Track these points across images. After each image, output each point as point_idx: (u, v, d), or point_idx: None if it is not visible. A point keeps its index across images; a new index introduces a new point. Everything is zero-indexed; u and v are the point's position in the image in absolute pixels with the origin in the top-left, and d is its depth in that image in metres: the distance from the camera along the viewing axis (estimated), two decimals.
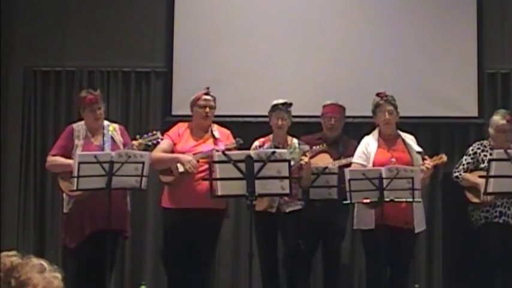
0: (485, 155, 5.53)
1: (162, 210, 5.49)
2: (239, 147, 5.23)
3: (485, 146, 5.60)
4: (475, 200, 5.49)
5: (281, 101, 5.44)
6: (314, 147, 5.40)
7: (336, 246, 5.74)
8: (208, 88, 5.44)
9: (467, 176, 5.53)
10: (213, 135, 5.38)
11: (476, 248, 5.63)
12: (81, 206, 4.97)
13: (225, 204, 5.34)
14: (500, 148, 5.36)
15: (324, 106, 5.83)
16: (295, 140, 5.48)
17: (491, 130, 5.60)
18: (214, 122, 5.55)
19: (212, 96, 5.41)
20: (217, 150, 5.14)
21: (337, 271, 5.85)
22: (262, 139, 5.52)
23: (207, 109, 5.34)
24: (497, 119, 5.57)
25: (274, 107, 5.43)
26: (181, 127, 5.44)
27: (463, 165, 5.59)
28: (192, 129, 5.42)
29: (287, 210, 5.34)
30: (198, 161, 5.20)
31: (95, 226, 4.98)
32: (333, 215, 5.59)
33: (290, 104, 5.48)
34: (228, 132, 5.50)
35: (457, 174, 5.60)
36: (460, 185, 5.63)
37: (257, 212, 5.17)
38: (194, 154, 5.25)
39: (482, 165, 5.51)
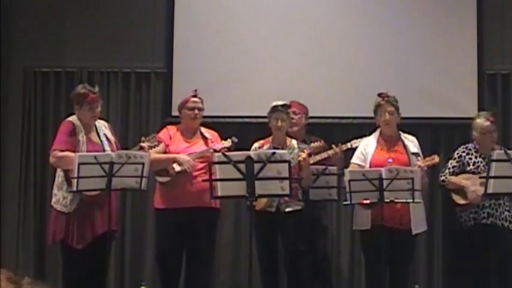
0: (470, 158, 5.58)
1: (156, 211, 5.50)
2: (235, 146, 5.26)
3: (470, 150, 5.62)
4: (462, 201, 5.50)
5: (280, 102, 5.45)
6: (312, 144, 5.41)
7: (322, 245, 5.81)
8: (195, 91, 5.56)
9: (453, 178, 5.58)
10: (204, 136, 5.49)
11: (467, 248, 5.64)
12: (88, 206, 4.93)
13: (218, 203, 5.39)
14: (485, 150, 5.41)
15: (290, 105, 5.80)
16: (294, 141, 5.48)
17: (475, 133, 5.62)
18: (213, 123, 5.61)
19: (200, 98, 5.52)
20: (215, 150, 5.20)
21: (329, 270, 5.93)
22: (261, 141, 5.53)
23: (196, 111, 5.47)
24: (481, 121, 5.60)
25: (274, 109, 5.44)
26: (171, 129, 5.53)
27: (449, 169, 5.63)
28: (182, 131, 5.51)
29: (286, 210, 5.34)
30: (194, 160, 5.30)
31: (102, 228, 4.95)
32: (319, 215, 5.67)
33: (289, 106, 5.51)
34: (216, 134, 5.60)
35: (443, 177, 5.63)
36: (442, 187, 5.67)
37: (256, 211, 5.20)
38: (189, 154, 5.32)
39: (468, 168, 5.56)
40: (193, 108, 5.46)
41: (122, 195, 6.04)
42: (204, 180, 5.08)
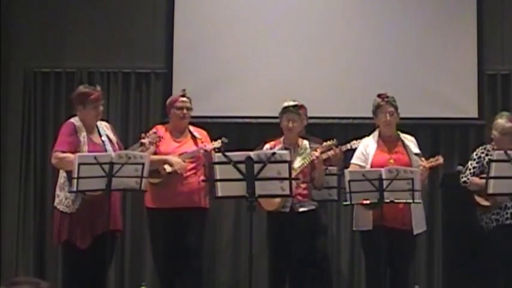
0: (490, 159, 5.51)
1: (147, 210, 5.49)
2: (225, 147, 5.26)
3: (488, 150, 5.55)
4: (485, 203, 5.45)
5: (292, 103, 5.38)
6: (324, 143, 5.36)
7: (322, 245, 5.81)
8: (184, 90, 5.57)
9: (476, 180, 5.50)
10: (194, 136, 5.50)
11: (478, 249, 5.62)
12: (90, 206, 4.93)
13: (208, 203, 5.42)
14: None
15: (301, 106, 5.76)
16: (305, 142, 5.43)
17: (496, 133, 5.53)
18: (213, 123, 5.61)
19: (188, 97, 5.54)
20: (205, 150, 5.26)
21: (329, 270, 5.93)
22: (273, 142, 5.46)
23: (185, 110, 5.48)
24: (503, 122, 5.52)
25: (285, 109, 5.38)
26: (160, 129, 5.52)
27: (470, 170, 5.55)
28: (171, 131, 5.51)
29: (300, 210, 5.32)
30: (184, 161, 5.31)
31: (104, 227, 4.95)
32: (319, 215, 5.67)
33: (301, 107, 5.43)
34: (205, 133, 5.60)
35: (464, 179, 5.54)
36: (464, 189, 5.56)
37: (269, 212, 5.20)
38: (179, 155, 5.34)
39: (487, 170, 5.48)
40: (181, 108, 5.47)
41: (122, 195, 6.04)
42: (204, 181, 5.12)
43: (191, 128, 5.56)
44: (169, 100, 5.60)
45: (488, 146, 5.59)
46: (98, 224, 4.96)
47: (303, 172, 5.24)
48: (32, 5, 6.81)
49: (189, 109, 5.50)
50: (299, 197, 5.24)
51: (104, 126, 5.22)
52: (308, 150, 5.34)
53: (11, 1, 6.76)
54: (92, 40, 6.77)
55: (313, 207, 5.37)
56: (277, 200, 5.18)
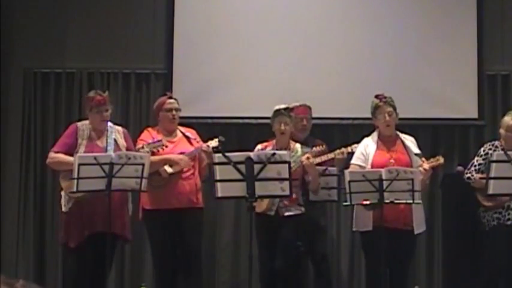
0: (490, 160, 5.49)
1: (144, 212, 5.42)
2: (225, 147, 5.26)
3: (496, 147, 5.54)
4: (487, 203, 5.44)
5: (282, 106, 5.39)
6: (314, 149, 5.38)
7: (322, 246, 5.81)
8: (170, 92, 5.64)
9: (480, 176, 5.48)
10: (186, 136, 5.49)
11: (478, 249, 5.62)
12: (81, 206, 4.97)
13: (203, 202, 5.43)
14: (510, 148, 5.35)
15: (292, 108, 5.77)
16: (297, 145, 5.44)
17: (502, 131, 5.53)
18: (213, 124, 5.59)
19: (175, 99, 5.54)
20: (204, 151, 5.26)
21: (329, 271, 5.92)
22: (265, 143, 5.49)
23: (174, 112, 5.47)
24: (508, 119, 5.52)
25: (277, 112, 5.39)
26: (152, 132, 5.52)
27: (475, 166, 5.54)
28: (162, 132, 5.49)
29: (285, 214, 5.32)
30: None
31: (93, 228, 4.98)
32: (318, 215, 5.67)
33: (292, 109, 5.44)
34: (194, 131, 5.60)
35: (469, 175, 5.55)
36: (464, 189, 5.57)
37: (257, 214, 5.19)
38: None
39: None
40: (170, 110, 5.45)
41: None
42: (204, 181, 5.10)
43: (181, 128, 5.54)
44: (156, 103, 5.57)
45: (497, 143, 5.57)
46: (88, 224, 4.99)
47: (295, 175, 5.23)
48: (32, 5, 6.81)
49: (177, 110, 5.49)
50: (285, 202, 5.22)
51: (116, 131, 5.24)
52: (299, 154, 5.33)
53: (11, 1, 6.76)
54: (92, 40, 6.77)
55: (299, 212, 5.34)
56: (266, 201, 5.18)
